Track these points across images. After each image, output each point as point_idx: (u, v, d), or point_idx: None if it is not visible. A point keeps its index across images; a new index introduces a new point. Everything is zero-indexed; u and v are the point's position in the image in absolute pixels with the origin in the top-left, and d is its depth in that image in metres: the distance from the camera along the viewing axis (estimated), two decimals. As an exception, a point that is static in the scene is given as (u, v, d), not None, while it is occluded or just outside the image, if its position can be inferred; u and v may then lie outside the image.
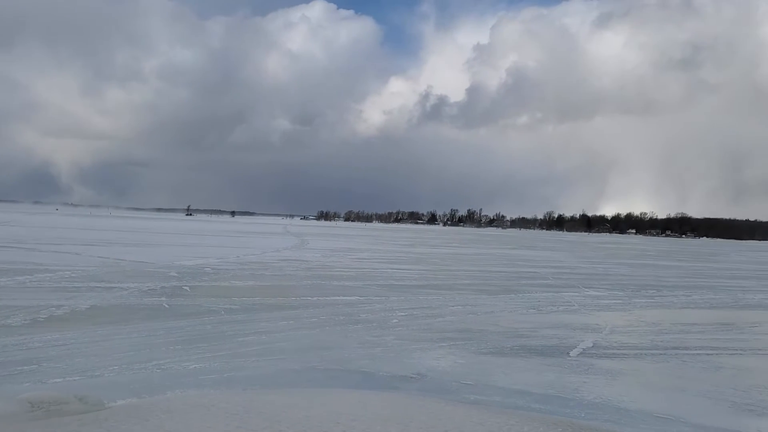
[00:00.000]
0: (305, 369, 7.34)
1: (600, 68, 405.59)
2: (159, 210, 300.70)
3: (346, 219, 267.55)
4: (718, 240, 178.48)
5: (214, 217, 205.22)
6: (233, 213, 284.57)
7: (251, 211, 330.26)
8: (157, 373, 6.89)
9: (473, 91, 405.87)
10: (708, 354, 9.20)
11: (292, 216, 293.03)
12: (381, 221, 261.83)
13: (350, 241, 50.78)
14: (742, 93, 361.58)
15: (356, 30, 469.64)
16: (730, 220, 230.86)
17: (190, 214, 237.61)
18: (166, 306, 11.63)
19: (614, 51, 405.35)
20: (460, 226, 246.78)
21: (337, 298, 13.81)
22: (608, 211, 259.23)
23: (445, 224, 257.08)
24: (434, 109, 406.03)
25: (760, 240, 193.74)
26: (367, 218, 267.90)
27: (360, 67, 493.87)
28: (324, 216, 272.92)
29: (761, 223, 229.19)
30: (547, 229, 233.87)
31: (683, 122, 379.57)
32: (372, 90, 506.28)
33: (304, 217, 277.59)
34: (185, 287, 14.44)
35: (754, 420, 6.01)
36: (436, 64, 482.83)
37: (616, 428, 5.31)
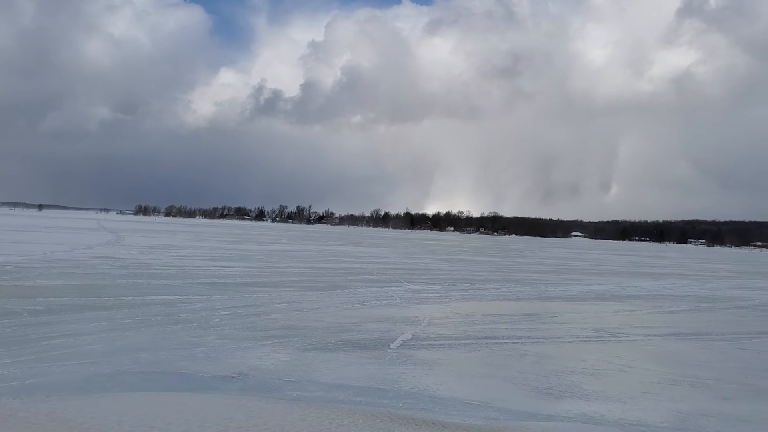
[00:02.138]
0: (118, 373, 6.92)
1: (429, 72, 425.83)
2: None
3: (167, 214, 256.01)
4: (525, 237, 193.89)
5: (18, 211, 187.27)
6: (41, 206, 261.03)
7: (62, 205, 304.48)
8: (-59, 384, 6.15)
9: (308, 88, 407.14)
10: (514, 342, 9.95)
11: (107, 210, 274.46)
12: (205, 217, 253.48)
13: (171, 238, 48.66)
14: (553, 102, 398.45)
15: (184, 18, 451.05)
16: (536, 219, 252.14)
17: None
18: (-45, 309, 10.43)
19: (443, 56, 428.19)
20: (289, 222, 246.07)
21: (155, 297, 13.17)
22: (433, 209, 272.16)
23: (273, 220, 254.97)
24: (268, 104, 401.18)
25: (561, 237, 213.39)
26: (190, 213, 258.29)
27: (188, 56, 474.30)
28: (143, 211, 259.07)
29: (563, 221, 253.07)
30: (373, 226, 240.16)
31: (502, 127, 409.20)
32: (201, 80, 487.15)
33: (121, 212, 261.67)
34: (-21, 288, 13.04)
35: (552, 402, 6.58)
36: (269, 58, 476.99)
37: (431, 416, 5.57)
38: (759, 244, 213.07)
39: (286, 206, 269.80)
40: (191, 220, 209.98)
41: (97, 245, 31.84)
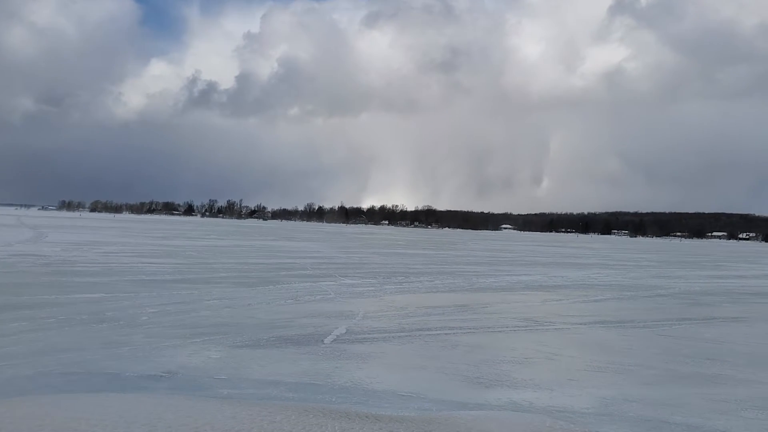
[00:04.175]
0: (40, 374, 6.64)
1: (368, 66, 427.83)
2: None
3: (93, 209, 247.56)
4: (458, 230, 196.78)
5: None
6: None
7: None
8: None
9: (243, 79, 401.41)
10: (446, 333, 10.08)
11: (28, 206, 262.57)
12: (132, 212, 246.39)
13: (96, 234, 47.04)
14: (490, 97, 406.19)
15: (112, 7, 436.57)
16: (468, 212, 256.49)
17: None
18: None
19: (381, 50, 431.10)
20: (219, 217, 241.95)
21: (80, 295, 12.71)
22: (370, 203, 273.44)
23: (203, 215, 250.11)
24: (202, 96, 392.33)
25: (492, 229, 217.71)
26: (117, 209, 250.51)
27: (117, 46, 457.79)
28: (67, 206, 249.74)
29: (494, 214, 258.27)
30: (307, 221, 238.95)
31: (440, 121, 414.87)
32: (131, 72, 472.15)
33: (43, 208, 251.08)
34: None
35: (482, 391, 6.71)
36: (202, 50, 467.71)
37: (365, 409, 5.58)
38: (679, 234, 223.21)
39: (216, 201, 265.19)
40: (118, 215, 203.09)
41: (17, 242, 30.47)
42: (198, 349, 8.23)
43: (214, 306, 12.15)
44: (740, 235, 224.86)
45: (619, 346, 9.83)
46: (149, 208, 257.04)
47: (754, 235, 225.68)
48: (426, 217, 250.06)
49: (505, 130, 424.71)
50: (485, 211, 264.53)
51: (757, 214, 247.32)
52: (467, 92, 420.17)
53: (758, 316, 14.36)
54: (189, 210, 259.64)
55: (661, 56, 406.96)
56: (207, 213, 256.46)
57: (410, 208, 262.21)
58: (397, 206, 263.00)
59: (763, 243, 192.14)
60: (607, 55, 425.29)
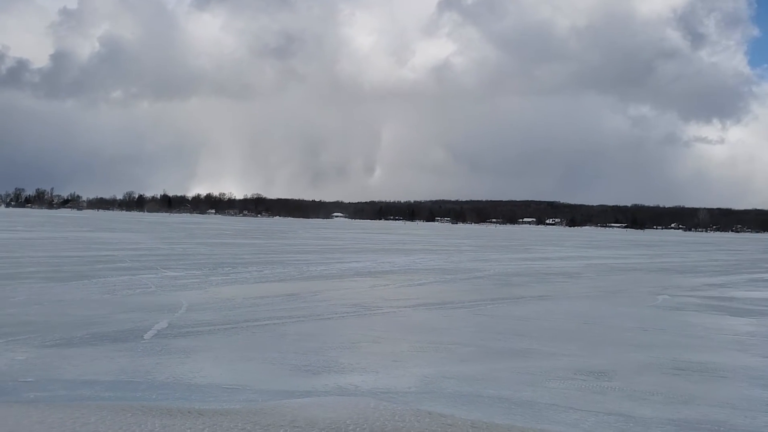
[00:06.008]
0: None
1: (198, 49, 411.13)
2: None
3: None
4: (289, 218, 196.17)
5: None
6: None
7: None
8: None
9: (59, 58, 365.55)
10: (275, 323, 10.03)
11: None
12: None
13: None
14: (324, 85, 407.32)
15: None
16: (299, 200, 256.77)
17: None
18: None
19: (212, 33, 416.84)
20: (28, 207, 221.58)
21: None
22: (199, 192, 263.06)
23: (8, 205, 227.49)
24: (10, 74, 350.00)
25: (324, 218, 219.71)
26: None
27: None
28: None
29: (325, 202, 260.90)
30: (127, 210, 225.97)
31: (273, 108, 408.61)
32: None
33: None
34: None
35: (310, 379, 6.77)
36: (9, 24, 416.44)
37: (187, 405, 5.42)
38: (494, 220, 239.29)
39: (23, 189, 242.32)
40: None
41: None
42: (0, 350, 7.50)
43: (20, 303, 11.13)
44: (547, 221, 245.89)
45: (440, 327, 10.38)
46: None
47: (559, 220, 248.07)
48: (256, 206, 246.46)
49: (339, 119, 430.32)
50: (318, 200, 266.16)
51: (561, 202, 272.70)
52: (302, 79, 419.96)
53: (561, 294, 15.81)
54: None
55: (485, 52, 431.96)
56: (12, 203, 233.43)
57: (240, 196, 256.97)
58: (224, 194, 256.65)
59: (567, 228, 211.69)
60: (436, 50, 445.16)
